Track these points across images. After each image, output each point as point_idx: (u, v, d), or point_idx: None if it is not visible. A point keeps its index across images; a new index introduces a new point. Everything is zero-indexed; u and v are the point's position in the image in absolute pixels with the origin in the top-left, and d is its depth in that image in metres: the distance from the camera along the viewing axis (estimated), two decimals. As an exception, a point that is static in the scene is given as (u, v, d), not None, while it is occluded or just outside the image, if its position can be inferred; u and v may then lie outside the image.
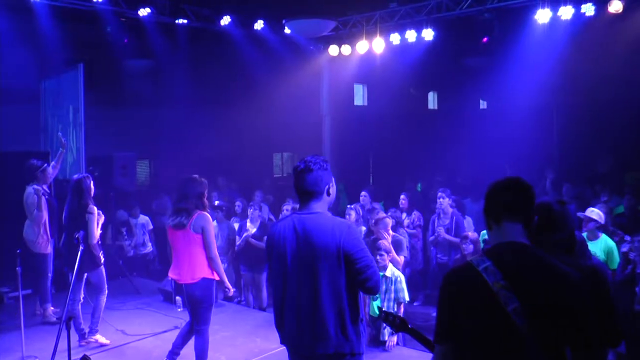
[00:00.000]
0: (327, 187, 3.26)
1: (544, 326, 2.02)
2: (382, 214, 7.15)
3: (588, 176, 11.56)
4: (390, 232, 6.75)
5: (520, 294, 2.04)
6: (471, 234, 6.94)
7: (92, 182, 6.34)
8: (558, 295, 2.07)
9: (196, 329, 5.16)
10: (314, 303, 3.11)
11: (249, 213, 8.41)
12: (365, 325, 3.27)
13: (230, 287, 5.34)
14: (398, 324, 2.84)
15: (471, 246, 6.65)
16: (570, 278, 2.14)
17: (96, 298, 6.29)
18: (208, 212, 5.23)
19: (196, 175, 5.28)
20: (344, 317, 3.10)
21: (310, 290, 3.12)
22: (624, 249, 6.43)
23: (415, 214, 9.09)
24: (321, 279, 3.09)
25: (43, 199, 7.00)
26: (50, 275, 7.12)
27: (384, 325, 2.89)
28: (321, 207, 3.26)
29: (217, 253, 5.16)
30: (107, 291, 6.34)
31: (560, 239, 3.09)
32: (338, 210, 8.76)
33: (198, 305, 5.11)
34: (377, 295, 5.65)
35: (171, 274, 5.27)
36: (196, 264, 5.07)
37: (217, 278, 5.18)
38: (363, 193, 9.44)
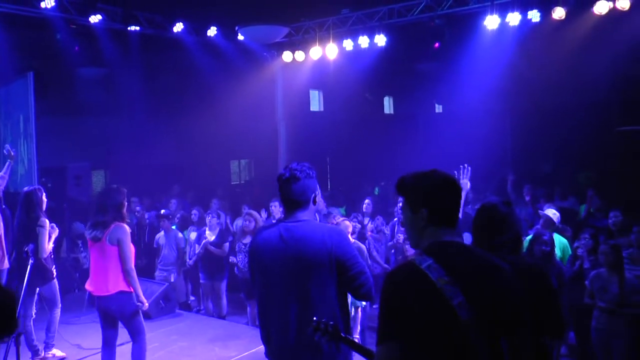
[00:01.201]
0: (313, 195, 3.15)
1: (486, 319, 2.07)
2: (340, 218, 7.14)
3: (539, 176, 11.88)
4: (351, 238, 6.72)
5: (464, 289, 2.08)
6: None
7: (44, 194, 6.16)
8: (497, 288, 2.14)
9: (132, 340, 5.07)
10: (304, 314, 2.96)
11: (207, 221, 8.37)
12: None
13: (145, 301, 5.15)
14: (331, 332, 2.81)
15: None
16: (505, 272, 2.21)
17: (50, 312, 6.13)
18: (127, 223, 5.16)
19: (115, 185, 5.23)
20: (337, 320, 2.96)
21: (300, 301, 2.99)
22: (576, 244, 6.66)
23: (379, 219, 9.16)
24: (312, 288, 2.97)
25: (-1, 211, 6.79)
26: None
27: (317, 335, 2.81)
28: (308, 215, 3.15)
29: (132, 266, 5.04)
30: (60, 304, 6.20)
31: (506, 240, 3.17)
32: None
33: (121, 319, 5.02)
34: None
35: (87, 286, 5.15)
36: (111, 277, 4.96)
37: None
38: None
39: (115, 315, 5.03)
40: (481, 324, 2.06)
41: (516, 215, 3.32)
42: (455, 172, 4.07)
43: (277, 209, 8.66)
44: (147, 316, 7.47)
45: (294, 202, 3.12)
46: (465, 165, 4.13)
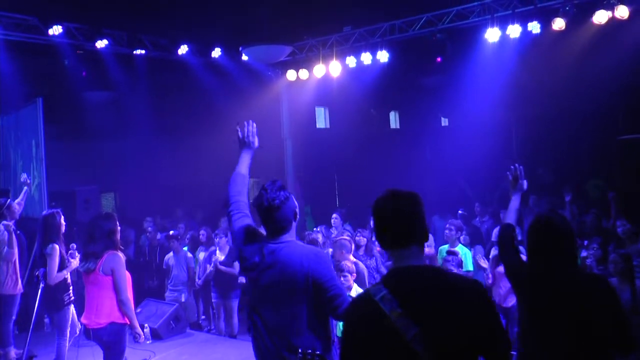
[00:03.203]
0: (293, 214, 3.27)
1: (444, 348, 2.01)
2: (338, 237, 7.03)
3: (545, 186, 11.85)
4: (352, 257, 6.54)
5: (419, 320, 2.02)
6: (426, 249, 6.96)
7: (62, 217, 6.12)
8: (456, 313, 2.06)
9: None
10: (286, 331, 3.12)
11: (215, 241, 8.41)
12: (336, 348, 3.27)
13: (141, 333, 5.00)
14: None
15: (427, 262, 6.67)
16: (469, 290, 2.13)
17: (58, 340, 6.02)
18: (121, 250, 4.99)
19: (104, 212, 5.14)
20: (315, 344, 3.08)
21: (283, 318, 3.14)
22: (583, 254, 6.64)
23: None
24: (292, 308, 3.12)
25: (14, 235, 6.84)
26: (14, 317, 6.82)
27: None
28: (290, 235, 3.28)
29: (128, 296, 4.88)
30: (68, 335, 6.06)
31: (568, 257, 3.14)
32: (304, 233, 8.82)
33: (106, 352, 4.85)
34: None
35: (82, 319, 4.99)
36: (104, 308, 4.80)
37: (128, 322, 4.92)
38: (334, 215, 9.53)
39: (105, 347, 4.85)
40: (440, 353, 2.01)
41: (573, 230, 3.29)
42: (508, 173, 3.89)
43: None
44: (158, 336, 7.52)
45: (278, 229, 3.24)
46: (516, 165, 3.87)
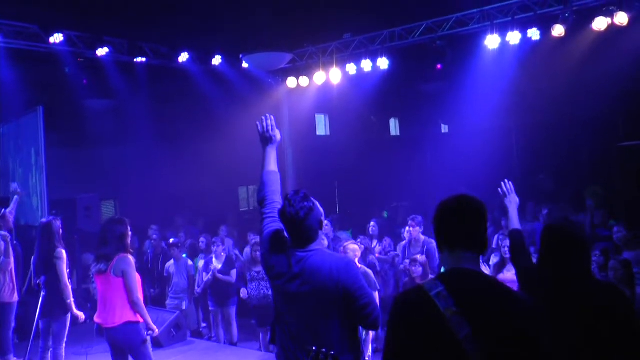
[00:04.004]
0: (319, 222, 3.22)
1: (494, 352, 2.01)
2: (349, 243, 7.04)
3: (545, 192, 11.85)
4: (357, 264, 6.56)
5: (472, 320, 2.02)
6: (420, 257, 6.98)
7: (60, 224, 6.27)
8: (510, 321, 2.06)
9: None
10: (315, 340, 2.98)
11: (212, 249, 8.40)
12: (364, 359, 3.19)
13: (154, 328, 5.21)
14: None
15: (420, 269, 6.69)
16: (524, 303, 2.15)
17: (55, 349, 6.09)
18: (130, 253, 5.17)
19: (115, 217, 5.29)
20: (344, 353, 3.01)
21: (311, 328, 3.07)
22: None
23: (387, 241, 9.12)
24: (322, 317, 3.04)
25: (10, 245, 6.87)
26: (13, 325, 6.86)
27: None
28: (318, 243, 3.22)
29: (139, 296, 5.07)
30: (65, 342, 6.15)
31: (585, 266, 3.09)
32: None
33: (129, 349, 5.04)
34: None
35: (96, 318, 5.19)
36: (117, 308, 5.00)
37: (141, 320, 5.11)
38: (325, 222, 9.48)
39: (123, 346, 5.06)
40: (488, 356, 2.01)
41: (588, 239, 3.25)
42: (499, 189, 3.90)
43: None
44: (159, 344, 7.51)
45: (304, 239, 3.17)
46: (506, 180, 3.90)
